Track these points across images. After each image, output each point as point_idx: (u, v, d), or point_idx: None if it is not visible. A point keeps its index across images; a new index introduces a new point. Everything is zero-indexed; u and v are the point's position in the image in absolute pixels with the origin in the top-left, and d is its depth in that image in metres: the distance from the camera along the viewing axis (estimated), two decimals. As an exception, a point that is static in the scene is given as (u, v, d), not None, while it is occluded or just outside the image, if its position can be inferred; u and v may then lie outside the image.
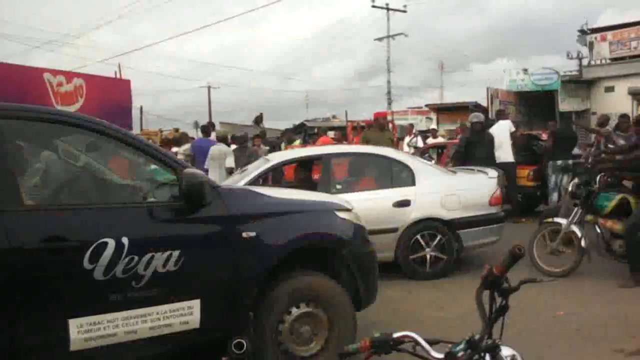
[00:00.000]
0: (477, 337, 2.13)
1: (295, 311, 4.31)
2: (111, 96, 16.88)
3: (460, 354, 2.11)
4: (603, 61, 26.59)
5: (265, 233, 4.16)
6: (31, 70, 15.37)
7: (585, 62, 27.46)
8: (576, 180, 7.70)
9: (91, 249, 3.51)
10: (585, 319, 5.71)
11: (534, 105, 27.38)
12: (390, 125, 17.27)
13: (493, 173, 8.32)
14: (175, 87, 65.02)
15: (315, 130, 23.19)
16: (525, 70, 28.28)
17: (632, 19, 25.96)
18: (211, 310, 3.93)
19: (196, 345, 4.11)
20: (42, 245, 3.44)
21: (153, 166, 4.18)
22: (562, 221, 7.50)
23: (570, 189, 7.65)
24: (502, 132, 11.81)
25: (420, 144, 16.75)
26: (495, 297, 2.15)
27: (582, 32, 27.62)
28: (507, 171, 10.06)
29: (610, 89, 25.66)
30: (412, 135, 17.73)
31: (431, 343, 2.16)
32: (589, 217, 7.32)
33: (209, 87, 50.60)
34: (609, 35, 26.31)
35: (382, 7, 36.22)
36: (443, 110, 31.60)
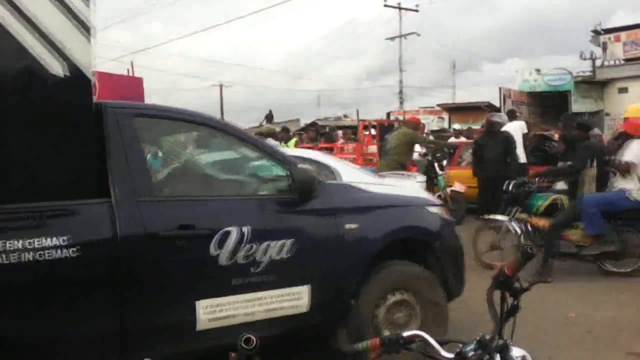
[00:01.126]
0: (487, 337, 2.10)
1: (390, 298, 4.54)
2: (124, 93, 16.83)
3: (470, 354, 2.09)
4: (617, 62, 26.43)
5: (366, 225, 4.43)
6: None
7: (598, 62, 27.29)
8: (515, 180, 8.08)
9: (217, 236, 3.82)
10: (596, 321, 5.70)
11: (546, 105, 27.28)
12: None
13: (421, 178, 8.74)
14: (185, 86, 64.85)
15: (327, 129, 23.20)
16: (538, 71, 28.18)
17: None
18: (318, 296, 4.20)
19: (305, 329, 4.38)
20: (174, 233, 3.73)
21: (223, 163, 4.65)
22: (502, 218, 8.00)
23: (510, 188, 7.97)
24: (514, 133, 11.73)
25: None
26: (506, 297, 2.13)
27: (596, 32, 27.51)
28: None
29: (623, 90, 25.51)
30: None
31: (441, 343, 2.15)
32: (521, 215, 7.83)
33: (220, 86, 50.78)
34: (623, 35, 26.19)
35: (394, 7, 36.21)
36: (455, 110, 31.59)
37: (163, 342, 3.79)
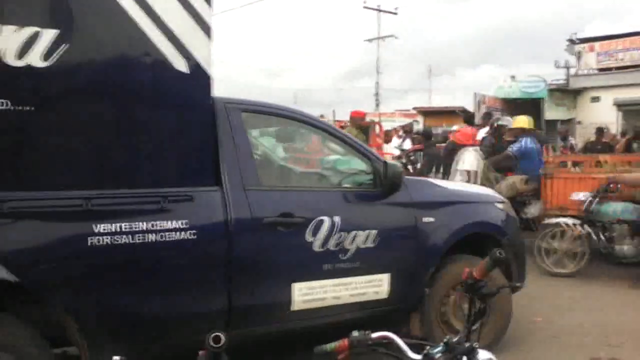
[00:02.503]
0: (455, 340, 2.13)
1: (459, 289, 4.69)
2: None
3: (438, 356, 2.10)
4: (590, 71, 26.76)
5: (441, 219, 4.74)
6: None
7: (572, 71, 27.60)
8: None
9: (312, 224, 4.14)
10: (562, 326, 5.78)
11: (520, 112, 27.31)
12: (377, 127, 17.22)
13: None
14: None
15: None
16: (512, 78, 28.37)
17: (620, 31, 26.18)
18: (397, 284, 4.50)
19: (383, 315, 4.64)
20: (276, 219, 4.04)
21: (332, 156, 5.03)
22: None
23: None
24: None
25: (407, 145, 16.63)
26: (475, 300, 2.15)
27: (571, 41, 27.83)
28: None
29: (596, 99, 25.99)
30: (401, 139, 17.63)
31: (409, 344, 2.16)
32: None
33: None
34: (597, 45, 26.61)
35: (373, 9, 36.25)
36: (430, 114, 31.72)
37: (262, 320, 4.12)
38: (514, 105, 27.89)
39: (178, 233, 3.73)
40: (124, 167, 3.73)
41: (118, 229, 3.58)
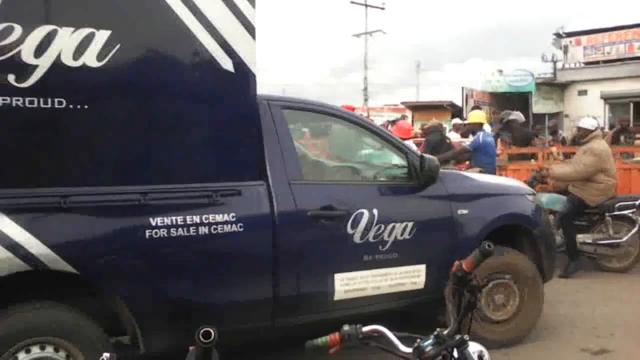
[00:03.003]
0: (445, 332, 2.12)
1: (493, 280, 4.90)
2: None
3: (428, 348, 2.09)
4: (577, 65, 27.07)
5: (475, 211, 4.87)
6: None
7: (559, 65, 27.90)
8: None
9: (352, 217, 4.29)
10: (552, 319, 5.78)
11: (508, 106, 27.57)
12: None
13: None
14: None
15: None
16: (500, 72, 28.63)
17: (606, 24, 26.49)
18: (433, 275, 4.60)
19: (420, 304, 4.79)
20: (318, 212, 4.20)
21: (365, 151, 5.23)
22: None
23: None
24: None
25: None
26: (464, 293, 2.16)
27: (558, 35, 28.14)
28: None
29: (583, 93, 26.35)
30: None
31: (400, 337, 2.17)
32: None
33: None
34: (584, 39, 26.92)
35: (360, 4, 36.34)
36: (418, 109, 31.87)
37: (306, 310, 4.26)
38: (501, 99, 28.19)
39: (227, 225, 3.89)
40: (176, 163, 3.87)
41: (172, 222, 3.74)
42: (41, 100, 3.48)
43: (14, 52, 3.41)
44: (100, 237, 3.65)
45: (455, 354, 2.09)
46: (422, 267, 4.58)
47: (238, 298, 4.00)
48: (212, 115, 3.96)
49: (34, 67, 3.45)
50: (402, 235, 4.46)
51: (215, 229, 3.85)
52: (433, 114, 29.62)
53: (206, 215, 3.83)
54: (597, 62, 26.23)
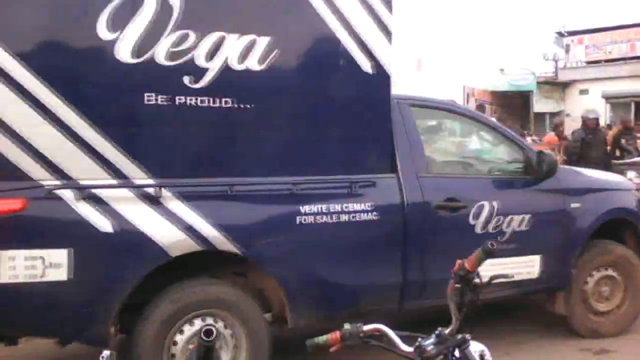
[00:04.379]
0: (446, 331, 2.12)
1: (601, 272, 5.18)
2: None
3: (429, 347, 2.09)
4: (579, 64, 27.37)
5: (587, 205, 5.09)
6: None
7: (561, 64, 28.21)
8: None
9: (474, 208, 4.59)
10: (553, 318, 5.72)
11: (509, 105, 27.94)
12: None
13: None
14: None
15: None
16: (501, 70, 28.90)
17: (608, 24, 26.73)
18: (546, 265, 4.90)
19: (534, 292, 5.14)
20: (443, 203, 4.51)
21: (474, 146, 5.56)
22: None
23: None
24: None
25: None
26: (466, 292, 2.18)
27: (559, 34, 28.42)
28: None
29: (584, 92, 26.55)
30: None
31: (401, 336, 2.17)
32: None
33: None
34: (585, 38, 27.19)
35: None
36: (419, 107, 32.07)
37: (431, 295, 4.53)
38: (502, 98, 28.53)
39: (364, 214, 4.29)
40: (322, 156, 4.29)
41: (319, 210, 4.16)
42: (211, 100, 3.90)
43: (189, 56, 3.84)
44: (260, 222, 4.08)
45: (457, 353, 2.09)
46: (536, 258, 4.85)
47: (372, 281, 4.35)
48: (353, 113, 4.34)
49: (206, 70, 3.88)
50: (519, 226, 4.72)
51: (354, 216, 4.25)
52: (434, 111, 29.95)
53: (346, 204, 4.23)
54: (599, 61, 26.47)
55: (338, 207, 4.22)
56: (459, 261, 2.21)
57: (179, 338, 3.86)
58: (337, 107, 4.30)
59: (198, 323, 3.91)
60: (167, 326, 3.85)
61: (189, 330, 3.88)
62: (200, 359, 1.76)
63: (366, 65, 4.28)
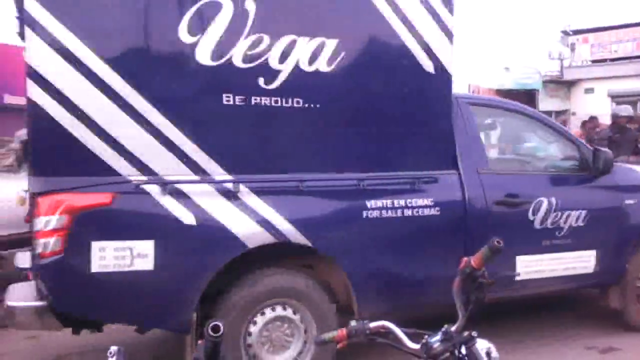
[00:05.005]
0: (453, 329, 2.11)
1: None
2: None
3: (436, 344, 2.08)
4: (584, 62, 27.53)
5: None
6: (10, 48, 14.85)
7: (566, 63, 28.36)
8: None
9: (533, 204, 4.79)
10: (557, 318, 5.88)
11: (514, 103, 27.93)
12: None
13: None
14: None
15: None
16: (507, 69, 29.04)
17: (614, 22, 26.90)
18: (601, 260, 5.06)
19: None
20: (504, 199, 4.73)
21: (531, 143, 5.70)
22: None
23: None
24: None
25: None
26: (472, 290, 2.15)
27: (565, 33, 28.57)
28: None
29: (590, 91, 26.67)
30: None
31: (407, 333, 2.17)
32: None
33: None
34: (591, 37, 27.33)
35: None
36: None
37: (492, 288, 4.60)
38: (508, 97, 28.63)
39: (427, 209, 4.48)
40: (386, 154, 4.48)
41: (383, 205, 4.36)
42: (283, 100, 4.12)
43: (263, 58, 4.06)
44: (329, 216, 4.28)
45: (463, 350, 2.07)
46: (592, 253, 5.01)
47: (434, 274, 4.45)
48: (416, 111, 4.53)
49: (278, 72, 4.09)
50: (576, 222, 4.89)
51: (417, 211, 4.45)
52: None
53: (410, 200, 4.43)
54: (604, 60, 26.59)
55: (402, 202, 4.41)
56: (465, 258, 2.19)
57: (253, 328, 4.13)
58: (400, 106, 4.49)
59: (269, 313, 4.17)
60: (244, 314, 4.09)
61: (261, 320, 4.15)
62: (208, 354, 1.74)
63: (428, 65, 4.47)
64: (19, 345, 5.33)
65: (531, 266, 4.81)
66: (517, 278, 4.75)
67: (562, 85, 27.95)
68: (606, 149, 5.29)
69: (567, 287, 5.22)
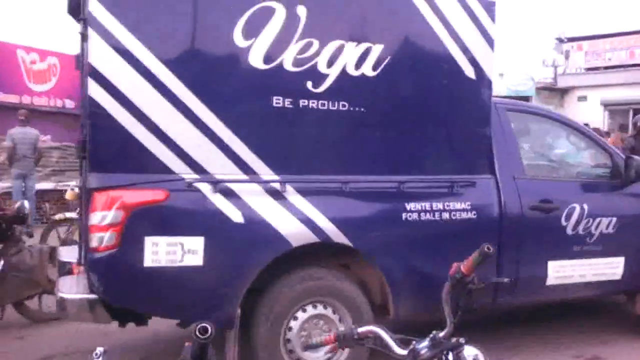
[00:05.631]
0: (441, 334, 2.09)
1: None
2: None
3: (423, 351, 2.07)
4: (578, 70, 27.72)
5: None
6: (3, 45, 14.74)
7: (560, 70, 28.56)
8: None
9: (566, 210, 4.88)
10: (546, 325, 5.89)
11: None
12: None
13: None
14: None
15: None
16: (501, 75, 29.21)
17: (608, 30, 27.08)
18: (630, 267, 5.14)
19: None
20: (538, 205, 4.82)
21: (565, 150, 5.76)
22: None
23: None
24: None
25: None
26: (462, 295, 2.14)
27: (559, 40, 28.76)
28: None
29: (583, 98, 26.78)
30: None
31: (395, 339, 2.17)
32: None
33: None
34: (585, 44, 27.50)
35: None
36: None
37: (523, 292, 4.87)
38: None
39: (464, 213, 4.60)
40: (426, 157, 4.60)
41: (422, 207, 4.47)
42: (330, 103, 4.23)
43: (312, 63, 4.17)
44: (370, 217, 4.40)
45: (451, 357, 2.07)
46: (621, 259, 5.09)
47: None
48: (455, 116, 4.64)
49: (326, 76, 4.20)
50: (607, 229, 4.97)
51: (454, 215, 4.56)
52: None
53: (447, 203, 4.54)
54: (598, 68, 26.71)
55: (440, 205, 4.52)
56: (455, 264, 2.17)
57: (293, 324, 4.24)
58: (441, 110, 4.61)
59: (310, 310, 4.29)
60: (286, 310, 4.20)
61: (301, 317, 4.26)
62: (195, 356, 1.75)
63: (469, 71, 4.59)
64: (6, 346, 5.38)
65: (562, 271, 4.90)
66: (548, 283, 4.86)
67: (556, 92, 28.08)
68: (638, 157, 5.38)
69: (595, 294, 5.33)
